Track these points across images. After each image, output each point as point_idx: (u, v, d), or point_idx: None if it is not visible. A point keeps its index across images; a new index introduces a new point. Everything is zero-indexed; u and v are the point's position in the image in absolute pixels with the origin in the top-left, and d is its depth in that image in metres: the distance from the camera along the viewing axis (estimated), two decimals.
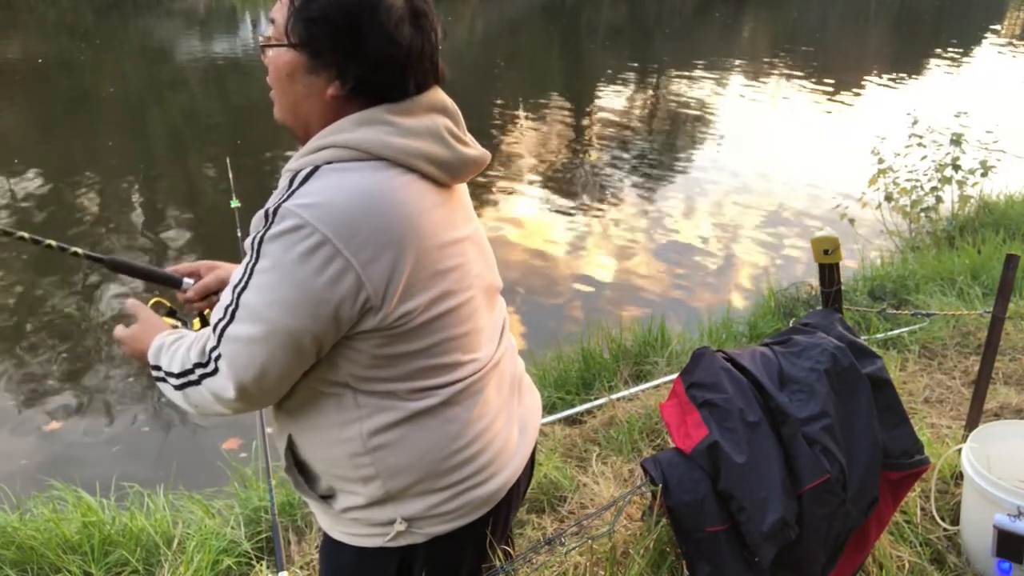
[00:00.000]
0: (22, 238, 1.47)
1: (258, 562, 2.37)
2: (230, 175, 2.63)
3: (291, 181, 1.13)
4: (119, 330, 1.36)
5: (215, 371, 1.14)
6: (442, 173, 1.20)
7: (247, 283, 1.10)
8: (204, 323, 1.48)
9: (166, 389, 1.23)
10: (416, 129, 1.16)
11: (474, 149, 1.25)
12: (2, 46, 14.95)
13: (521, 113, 10.49)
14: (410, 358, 1.18)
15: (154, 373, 1.25)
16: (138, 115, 10.40)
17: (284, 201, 1.09)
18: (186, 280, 1.48)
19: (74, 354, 4.60)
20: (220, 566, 2.35)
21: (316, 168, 1.13)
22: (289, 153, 8.32)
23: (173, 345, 1.23)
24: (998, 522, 1.98)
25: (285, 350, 1.11)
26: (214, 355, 1.13)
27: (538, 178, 7.89)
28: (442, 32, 1.20)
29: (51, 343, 4.70)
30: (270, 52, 1.17)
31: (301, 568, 2.38)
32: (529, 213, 6.93)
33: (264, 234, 1.09)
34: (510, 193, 7.36)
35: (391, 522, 1.26)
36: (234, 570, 2.37)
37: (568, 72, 14.67)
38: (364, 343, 1.15)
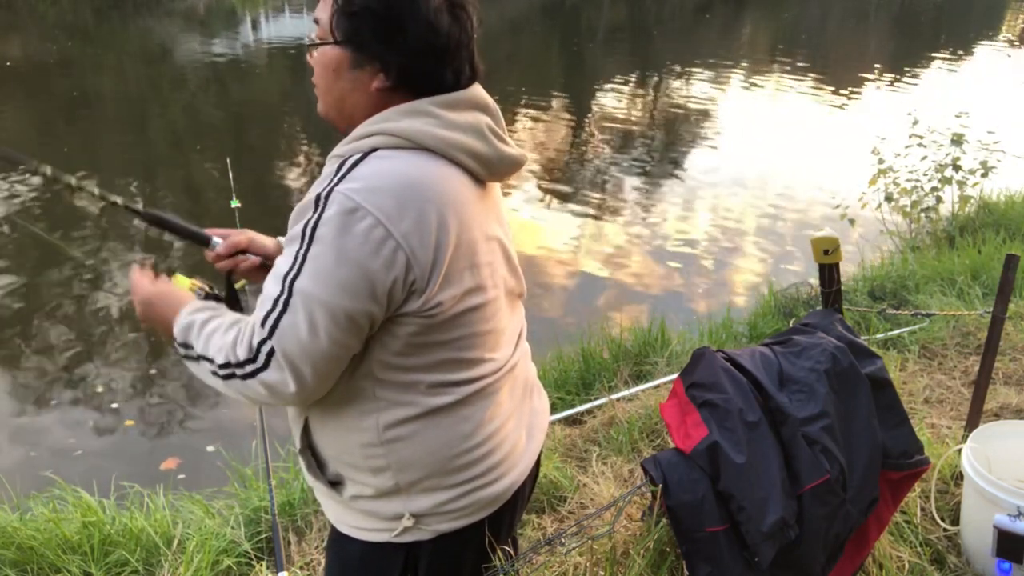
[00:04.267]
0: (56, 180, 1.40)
1: (258, 562, 2.37)
2: (230, 175, 2.63)
3: (339, 167, 1.14)
4: (136, 274, 1.32)
5: (266, 366, 1.12)
6: (481, 169, 1.22)
7: (300, 269, 1.10)
8: (230, 287, 1.45)
9: (198, 370, 1.22)
10: (459, 123, 1.18)
11: (513, 149, 1.27)
12: (2, 46, 14.95)
13: (521, 113, 10.48)
14: (438, 348, 1.20)
15: (181, 351, 1.23)
16: (138, 115, 10.40)
17: (335, 185, 1.10)
18: (214, 239, 1.45)
19: (74, 353, 4.60)
20: (220, 566, 2.35)
21: (365, 155, 1.14)
22: (288, 153, 8.35)
23: (208, 326, 1.21)
24: (998, 522, 1.98)
25: (346, 333, 1.11)
26: (264, 349, 1.12)
27: (537, 178, 7.89)
28: (477, 22, 1.22)
29: (49, 342, 4.70)
30: (316, 52, 1.20)
31: (301, 568, 2.38)
32: (529, 213, 6.93)
33: (317, 219, 1.09)
34: (509, 193, 7.36)
35: (399, 516, 1.27)
36: (234, 570, 2.37)
37: (568, 72, 14.66)
38: (402, 327, 1.16)
